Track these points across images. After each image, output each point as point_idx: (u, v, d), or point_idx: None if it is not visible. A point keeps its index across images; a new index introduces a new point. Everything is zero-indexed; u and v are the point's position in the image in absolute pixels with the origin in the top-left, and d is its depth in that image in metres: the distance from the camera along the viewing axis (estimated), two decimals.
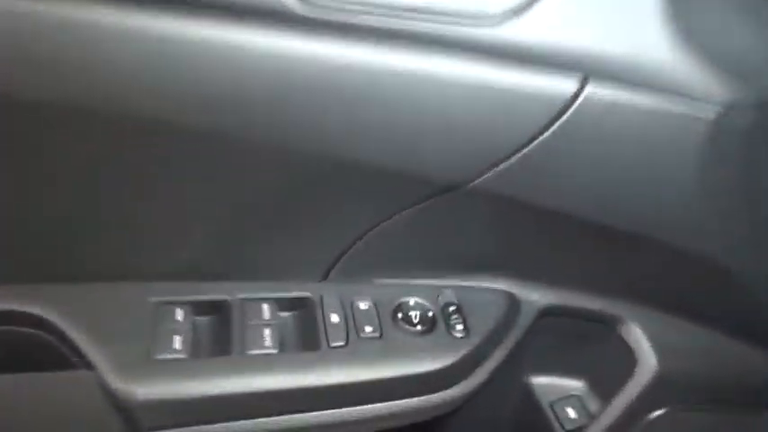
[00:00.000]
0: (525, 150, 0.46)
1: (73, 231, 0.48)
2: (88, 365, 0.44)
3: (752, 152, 0.48)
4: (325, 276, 0.54)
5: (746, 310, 0.56)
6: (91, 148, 0.44)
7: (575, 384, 0.64)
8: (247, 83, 0.43)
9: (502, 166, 0.47)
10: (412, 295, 0.54)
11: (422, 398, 0.50)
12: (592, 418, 0.61)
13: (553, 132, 0.45)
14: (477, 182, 0.48)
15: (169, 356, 0.45)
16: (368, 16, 0.44)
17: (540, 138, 0.46)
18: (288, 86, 0.43)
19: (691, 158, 0.47)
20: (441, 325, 0.52)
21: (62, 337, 0.45)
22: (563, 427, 0.62)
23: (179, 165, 0.46)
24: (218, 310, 0.49)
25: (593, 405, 0.62)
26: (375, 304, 0.52)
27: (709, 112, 0.45)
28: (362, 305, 0.51)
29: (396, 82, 0.44)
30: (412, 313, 0.52)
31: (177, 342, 0.45)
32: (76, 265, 0.49)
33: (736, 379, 0.60)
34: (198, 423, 0.45)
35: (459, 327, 0.52)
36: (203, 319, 0.49)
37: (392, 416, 0.50)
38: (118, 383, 0.43)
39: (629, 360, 0.58)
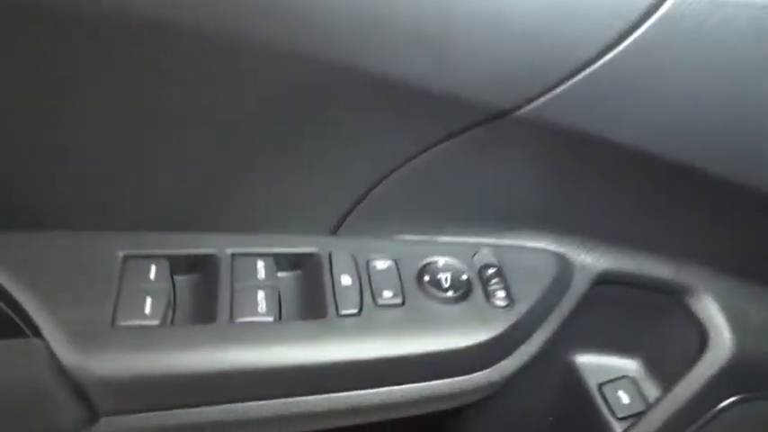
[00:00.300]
0: (597, 65, 0.38)
1: (21, 162, 0.41)
2: (37, 332, 0.37)
3: None
4: (336, 229, 0.47)
5: None
6: (49, 51, 0.36)
7: (628, 364, 0.58)
8: None
9: (564, 87, 0.39)
10: (442, 254, 0.46)
11: (451, 380, 0.43)
12: (649, 404, 0.56)
13: (636, 41, 0.37)
14: (529, 107, 0.39)
15: (137, 323, 0.38)
16: None
17: (619, 47, 0.37)
18: None
19: None
20: (477, 291, 0.44)
21: (4, 295, 0.38)
22: (614, 414, 0.56)
23: (154, 74, 0.38)
24: (201, 266, 0.42)
25: (650, 389, 0.57)
26: (396, 264, 0.44)
27: None
28: (380, 264, 0.44)
29: None
30: (441, 276, 0.45)
31: (149, 305, 0.38)
32: (26, 208, 0.42)
33: None
34: (171, 407, 0.38)
35: (501, 294, 0.44)
36: (183, 278, 0.42)
37: (413, 402, 0.42)
38: (71, 356, 0.36)
39: (698, 338, 0.52)
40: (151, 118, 0.40)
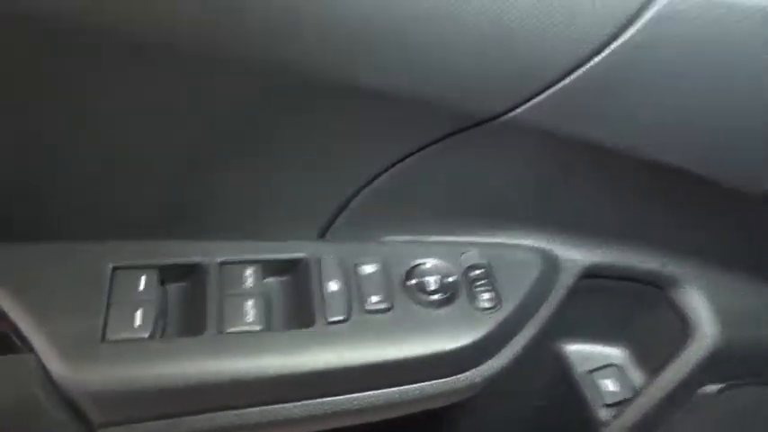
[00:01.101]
0: (584, 69, 0.37)
1: (6, 174, 0.40)
2: (28, 347, 0.37)
3: None
4: (324, 232, 0.47)
5: None
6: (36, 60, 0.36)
7: (614, 353, 0.58)
8: None
9: (551, 91, 0.38)
10: (429, 256, 0.46)
11: (438, 382, 0.43)
12: (635, 392, 0.56)
13: (623, 44, 0.37)
14: (519, 111, 0.39)
15: (128, 336, 0.38)
16: None
17: (606, 51, 0.37)
18: None
19: None
20: (463, 294, 0.44)
21: None
22: (601, 401, 0.56)
23: (137, 79, 0.37)
24: (189, 275, 0.42)
25: (636, 377, 0.57)
26: (383, 268, 0.44)
27: None
28: (368, 269, 0.44)
29: None
30: (429, 278, 0.44)
31: (138, 318, 0.38)
32: (13, 221, 0.41)
33: None
34: (163, 417, 0.38)
35: (486, 295, 0.44)
36: (172, 288, 0.42)
37: (402, 403, 0.42)
38: (62, 369, 0.36)
39: (684, 328, 0.52)
40: (136, 122, 0.40)
